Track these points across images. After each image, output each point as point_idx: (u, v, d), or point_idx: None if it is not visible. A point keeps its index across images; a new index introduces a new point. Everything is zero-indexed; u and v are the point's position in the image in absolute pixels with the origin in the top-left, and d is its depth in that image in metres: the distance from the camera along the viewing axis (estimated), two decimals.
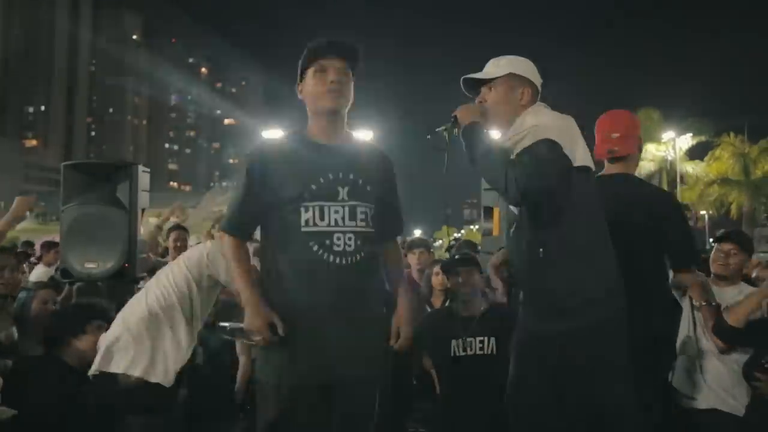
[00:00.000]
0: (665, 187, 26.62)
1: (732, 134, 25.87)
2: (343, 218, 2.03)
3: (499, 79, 2.31)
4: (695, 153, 27.21)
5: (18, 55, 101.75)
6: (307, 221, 2.01)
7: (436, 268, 4.31)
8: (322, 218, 2.01)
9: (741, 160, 25.40)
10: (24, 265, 5.95)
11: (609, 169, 2.84)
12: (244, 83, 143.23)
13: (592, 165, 2.25)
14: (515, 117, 2.27)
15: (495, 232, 5.78)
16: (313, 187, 2.02)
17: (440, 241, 56.98)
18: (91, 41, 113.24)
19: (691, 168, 26.66)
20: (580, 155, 2.17)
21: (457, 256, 3.73)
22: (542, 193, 2.07)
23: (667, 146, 26.45)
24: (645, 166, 26.50)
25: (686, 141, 26.55)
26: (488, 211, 5.62)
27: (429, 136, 2.27)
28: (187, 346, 2.80)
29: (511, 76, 2.31)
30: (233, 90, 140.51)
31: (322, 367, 1.99)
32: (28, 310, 3.56)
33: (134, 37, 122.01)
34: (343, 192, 2.05)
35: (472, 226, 59.71)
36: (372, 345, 2.08)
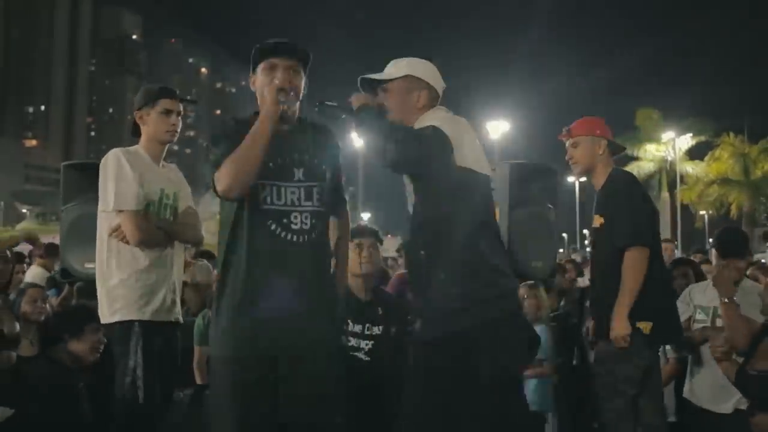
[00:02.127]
0: (665, 187, 26.64)
1: (732, 134, 25.84)
2: (299, 198, 2.13)
3: (397, 81, 2.30)
4: (695, 153, 27.21)
5: (18, 55, 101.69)
6: (264, 199, 2.10)
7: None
8: (279, 198, 2.11)
9: (741, 160, 25.37)
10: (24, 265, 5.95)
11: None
12: (244, 83, 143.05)
13: (482, 170, 2.24)
14: (412, 120, 2.27)
15: None
16: (270, 165, 2.10)
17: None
18: (90, 41, 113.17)
19: (691, 168, 26.64)
20: (465, 155, 2.18)
21: None
22: (417, 163, 2.13)
23: (667, 146, 26.43)
24: (645, 166, 26.49)
25: (686, 141, 26.52)
26: None
27: (317, 107, 2.31)
28: None
29: (409, 78, 2.29)
30: (233, 90, 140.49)
31: (275, 339, 2.06)
32: (17, 309, 3.57)
33: (134, 36, 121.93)
34: (298, 173, 2.15)
35: None
36: (326, 320, 2.17)
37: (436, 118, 2.23)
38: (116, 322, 2.66)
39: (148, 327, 2.65)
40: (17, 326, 3.32)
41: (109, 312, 2.69)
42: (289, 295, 2.07)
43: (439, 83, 2.34)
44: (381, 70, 2.36)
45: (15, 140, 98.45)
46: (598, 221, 2.96)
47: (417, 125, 2.24)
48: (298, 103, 2.21)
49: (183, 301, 5.07)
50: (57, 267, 4.83)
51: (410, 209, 2.29)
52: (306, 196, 2.14)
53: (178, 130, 2.84)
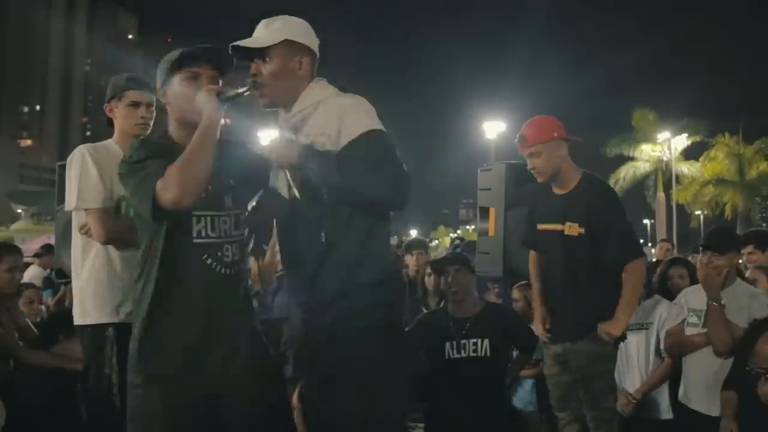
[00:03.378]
0: (661, 187, 26.70)
1: (727, 135, 25.88)
2: (230, 228, 2.00)
3: (274, 48, 2.02)
4: (690, 153, 27.28)
5: (13, 55, 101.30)
6: (200, 232, 1.94)
7: (429, 269, 4.31)
8: (213, 229, 1.96)
9: (736, 161, 25.42)
10: None
11: None
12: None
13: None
14: (296, 89, 2.06)
15: (491, 232, 5.78)
16: (203, 195, 1.90)
17: (436, 242, 57.06)
18: (86, 40, 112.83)
19: (686, 168, 26.69)
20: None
21: (448, 255, 3.72)
22: (409, 186, 1.96)
23: (663, 146, 26.48)
24: (641, 167, 26.56)
25: (681, 141, 26.58)
26: (484, 211, 5.60)
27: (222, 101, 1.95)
28: None
29: (287, 43, 2.03)
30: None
31: (212, 378, 1.94)
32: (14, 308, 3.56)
33: (130, 36, 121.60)
34: (228, 200, 2.02)
35: (468, 226, 59.76)
36: (258, 355, 2.06)
37: (339, 97, 2.05)
38: (89, 325, 2.56)
39: (122, 330, 2.51)
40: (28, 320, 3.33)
41: (81, 313, 2.59)
42: (225, 335, 1.96)
43: (316, 45, 2.12)
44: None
45: (10, 140, 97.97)
46: (575, 230, 2.88)
47: (305, 99, 2.05)
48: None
49: None
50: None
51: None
52: (235, 225, 2.01)
53: (150, 122, 2.71)
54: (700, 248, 3.22)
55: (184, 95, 1.97)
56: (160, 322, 1.95)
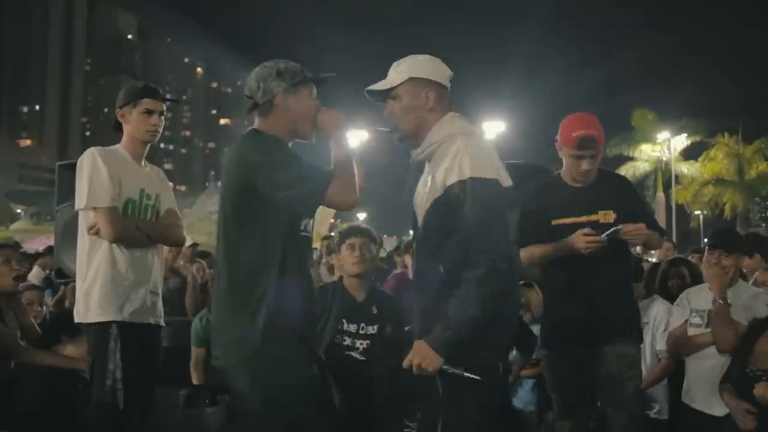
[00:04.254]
0: (660, 187, 26.71)
1: (726, 135, 25.90)
2: (306, 225, 2.25)
3: (401, 87, 2.21)
4: (690, 153, 27.29)
5: (12, 54, 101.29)
6: (304, 227, 2.22)
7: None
8: (305, 228, 2.24)
9: (735, 161, 25.44)
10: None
11: None
12: (239, 83, 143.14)
13: (507, 183, 2.19)
14: (425, 122, 2.21)
15: None
16: None
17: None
18: (85, 41, 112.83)
19: (685, 168, 26.72)
20: (503, 175, 2.15)
21: None
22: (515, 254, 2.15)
23: (662, 146, 26.50)
24: (640, 167, 26.56)
25: (681, 141, 26.60)
26: None
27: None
28: None
29: (413, 81, 2.20)
30: (229, 90, 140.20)
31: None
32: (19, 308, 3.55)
33: (129, 36, 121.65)
34: None
35: None
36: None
37: (463, 136, 2.14)
38: (93, 323, 2.61)
39: (126, 328, 2.59)
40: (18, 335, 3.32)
41: (84, 311, 2.63)
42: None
43: (444, 76, 2.25)
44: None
45: (9, 140, 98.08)
46: (610, 216, 2.79)
47: (433, 135, 2.18)
48: None
49: (179, 302, 5.10)
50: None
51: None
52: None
53: (160, 130, 2.81)
54: (707, 248, 3.21)
55: (310, 108, 2.19)
56: (280, 313, 2.05)
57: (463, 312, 1.99)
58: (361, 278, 3.06)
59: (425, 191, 2.20)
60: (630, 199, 2.93)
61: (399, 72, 2.23)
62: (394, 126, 2.24)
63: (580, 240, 2.68)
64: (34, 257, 6.63)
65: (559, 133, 2.87)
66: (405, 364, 2.07)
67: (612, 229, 2.68)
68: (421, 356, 2.02)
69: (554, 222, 2.86)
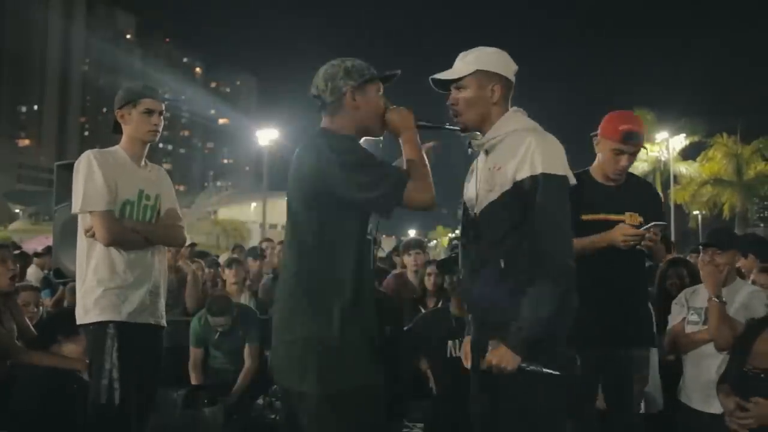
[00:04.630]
0: (659, 187, 26.75)
1: (725, 135, 25.96)
2: (373, 229, 2.17)
3: (468, 78, 2.21)
4: (688, 153, 27.35)
5: (11, 54, 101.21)
6: (370, 231, 2.15)
7: (430, 269, 4.30)
8: (370, 231, 2.17)
9: (734, 161, 25.49)
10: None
11: None
12: (238, 83, 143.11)
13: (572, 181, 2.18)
14: (489, 115, 2.21)
15: None
16: None
17: (434, 242, 56.96)
18: (84, 40, 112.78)
19: (684, 168, 26.76)
20: (570, 173, 2.14)
21: (453, 255, 3.72)
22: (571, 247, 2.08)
23: (661, 146, 26.54)
24: (639, 167, 26.54)
25: (679, 141, 26.64)
26: None
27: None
28: None
29: (480, 73, 2.20)
30: (227, 90, 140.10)
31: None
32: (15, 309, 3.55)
33: (128, 36, 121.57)
34: None
35: None
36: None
37: (529, 130, 2.15)
38: (90, 323, 2.62)
39: (124, 328, 2.60)
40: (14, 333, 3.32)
41: (83, 312, 2.65)
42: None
43: (510, 71, 2.25)
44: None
45: (8, 140, 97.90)
46: (636, 219, 2.79)
47: (499, 127, 2.19)
48: None
49: (178, 301, 5.09)
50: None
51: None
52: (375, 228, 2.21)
53: (160, 129, 2.81)
54: (701, 247, 3.24)
55: (378, 106, 2.15)
56: (354, 314, 2.02)
57: (538, 311, 1.99)
58: None
59: (484, 183, 2.19)
60: (654, 207, 2.93)
61: (466, 63, 2.23)
62: (456, 115, 2.24)
63: (620, 233, 2.67)
64: (27, 256, 6.62)
65: (602, 126, 2.86)
66: (484, 365, 2.07)
67: (651, 224, 2.67)
68: (499, 356, 2.01)
69: (584, 217, 2.82)
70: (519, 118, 2.22)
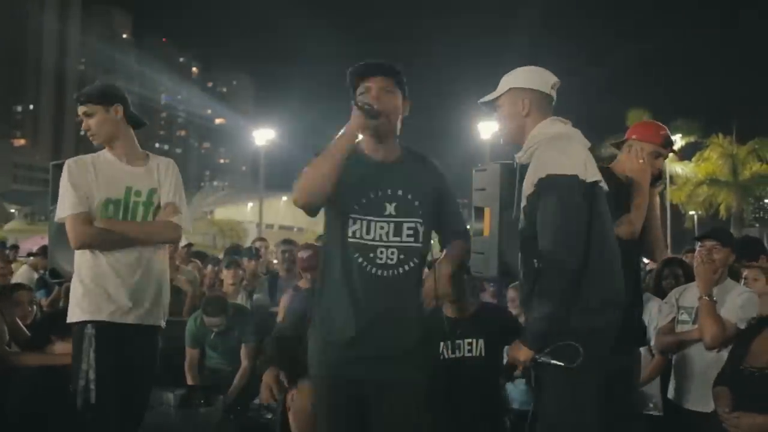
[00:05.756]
0: None
1: (720, 135, 26.02)
2: (387, 233, 2.15)
3: (503, 97, 2.38)
4: (684, 153, 27.37)
5: (6, 54, 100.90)
6: (354, 233, 2.14)
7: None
8: (368, 233, 2.14)
9: (729, 161, 25.55)
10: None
11: None
12: (235, 83, 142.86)
13: (599, 177, 2.22)
14: (524, 128, 2.33)
15: (486, 233, 5.75)
16: (363, 201, 2.14)
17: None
18: (80, 40, 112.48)
19: (680, 168, 26.81)
20: (590, 171, 2.19)
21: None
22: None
23: None
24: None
25: (675, 142, 26.69)
26: (479, 212, 5.60)
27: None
28: None
29: (513, 91, 2.35)
30: (224, 89, 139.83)
31: (355, 364, 2.13)
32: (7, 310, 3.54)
33: (124, 36, 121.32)
34: (390, 208, 2.16)
35: None
36: (407, 348, 2.18)
37: (556, 148, 2.20)
38: (74, 323, 2.61)
39: (105, 329, 2.54)
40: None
41: (71, 312, 2.65)
42: (367, 324, 2.12)
43: (543, 84, 2.35)
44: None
45: (3, 139, 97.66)
46: None
47: (530, 139, 2.28)
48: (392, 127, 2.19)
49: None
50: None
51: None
52: (395, 232, 2.16)
53: (88, 133, 2.82)
54: (699, 240, 3.26)
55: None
56: (320, 315, 2.18)
57: (539, 307, 2.12)
58: None
59: (524, 191, 2.31)
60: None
61: (502, 83, 2.39)
62: (501, 132, 2.42)
63: None
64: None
65: (639, 130, 3.08)
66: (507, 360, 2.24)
67: None
68: (515, 349, 2.19)
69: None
70: (550, 125, 2.30)
